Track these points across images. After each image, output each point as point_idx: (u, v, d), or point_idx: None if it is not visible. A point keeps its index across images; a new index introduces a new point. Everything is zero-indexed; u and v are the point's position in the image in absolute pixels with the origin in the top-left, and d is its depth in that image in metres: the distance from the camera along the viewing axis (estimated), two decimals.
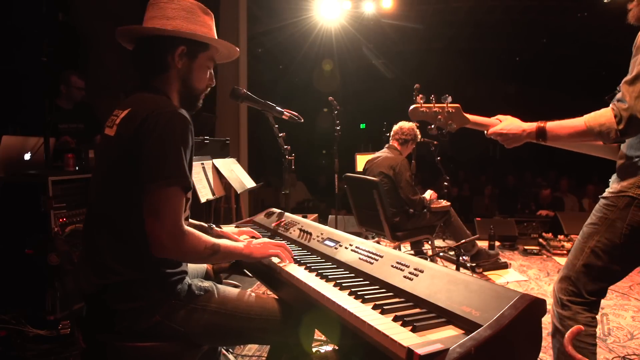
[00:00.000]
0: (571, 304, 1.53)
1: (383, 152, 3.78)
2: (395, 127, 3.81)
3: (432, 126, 1.69)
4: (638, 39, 1.35)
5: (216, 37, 1.40)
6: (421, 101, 1.68)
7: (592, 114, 1.42)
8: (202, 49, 1.37)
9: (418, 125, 3.71)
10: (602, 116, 1.38)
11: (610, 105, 1.38)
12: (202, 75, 1.40)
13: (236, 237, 1.61)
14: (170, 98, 1.34)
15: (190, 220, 1.54)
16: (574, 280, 1.53)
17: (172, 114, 1.18)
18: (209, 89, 1.46)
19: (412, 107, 1.70)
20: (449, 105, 1.67)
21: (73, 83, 3.43)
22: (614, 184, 1.49)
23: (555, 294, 1.60)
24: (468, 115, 1.70)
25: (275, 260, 1.44)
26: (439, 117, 1.67)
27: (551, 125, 1.51)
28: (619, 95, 1.37)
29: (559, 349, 1.56)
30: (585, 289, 1.51)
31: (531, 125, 1.55)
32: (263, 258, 1.42)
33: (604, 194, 1.51)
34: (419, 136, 3.80)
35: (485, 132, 1.66)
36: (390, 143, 3.81)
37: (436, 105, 1.68)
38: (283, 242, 1.52)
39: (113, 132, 1.23)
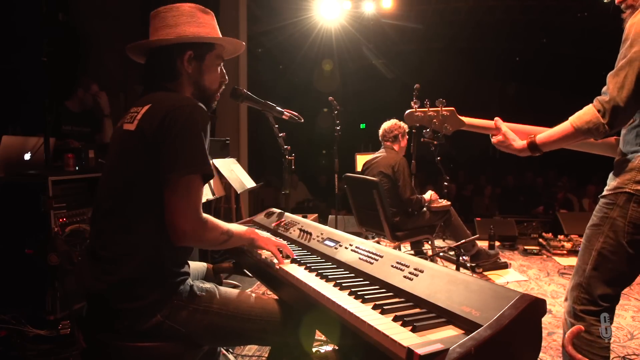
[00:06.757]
0: (585, 315, 1.48)
1: (381, 153, 3.78)
2: (380, 132, 3.80)
3: (428, 130, 1.70)
4: (625, 32, 1.34)
5: (220, 35, 1.40)
6: (415, 106, 1.69)
7: (576, 114, 1.40)
8: (208, 49, 1.38)
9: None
10: (586, 114, 1.37)
11: (593, 101, 1.37)
12: (212, 76, 1.42)
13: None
14: None
15: None
16: (586, 286, 1.48)
17: (192, 107, 1.22)
18: (222, 86, 1.48)
19: (407, 112, 1.71)
20: (443, 108, 1.68)
21: (92, 90, 3.47)
22: (611, 181, 1.46)
23: (569, 303, 1.54)
24: (463, 118, 1.70)
25: (275, 260, 1.44)
26: (434, 120, 1.68)
27: (540, 137, 1.51)
28: (603, 89, 1.36)
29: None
30: (598, 294, 1.46)
31: (522, 144, 1.55)
32: (264, 247, 1.46)
33: (603, 193, 1.48)
34: (406, 126, 3.78)
35: (491, 136, 1.64)
36: (385, 145, 3.81)
37: (430, 109, 1.69)
38: (284, 242, 1.53)
39: (133, 127, 1.23)
